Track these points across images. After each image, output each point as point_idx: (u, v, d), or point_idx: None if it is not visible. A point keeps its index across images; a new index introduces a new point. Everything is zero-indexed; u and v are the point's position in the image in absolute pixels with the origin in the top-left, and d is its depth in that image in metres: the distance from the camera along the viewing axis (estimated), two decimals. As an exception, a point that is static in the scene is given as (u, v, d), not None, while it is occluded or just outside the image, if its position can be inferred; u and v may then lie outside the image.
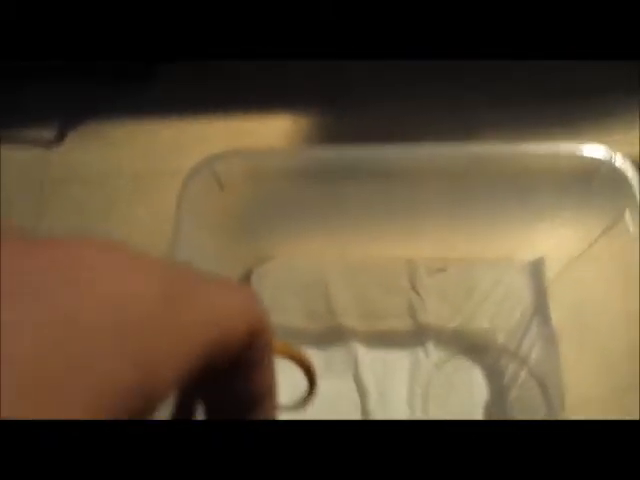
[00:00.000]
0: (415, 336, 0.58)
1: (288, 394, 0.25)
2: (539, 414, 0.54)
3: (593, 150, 0.41)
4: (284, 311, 0.59)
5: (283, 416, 0.23)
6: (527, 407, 0.54)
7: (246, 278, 0.59)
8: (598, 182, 0.42)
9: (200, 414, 0.17)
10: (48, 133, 0.64)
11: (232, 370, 0.16)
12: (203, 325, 0.13)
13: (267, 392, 0.17)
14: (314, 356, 0.58)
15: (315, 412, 0.56)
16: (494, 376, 0.56)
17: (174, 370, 0.12)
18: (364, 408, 0.56)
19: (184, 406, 0.17)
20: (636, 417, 0.44)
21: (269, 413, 0.17)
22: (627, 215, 0.42)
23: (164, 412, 0.17)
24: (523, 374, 0.55)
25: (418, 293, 0.58)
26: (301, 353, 0.23)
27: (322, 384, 0.57)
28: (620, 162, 0.41)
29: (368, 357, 0.57)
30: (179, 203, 0.44)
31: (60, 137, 0.65)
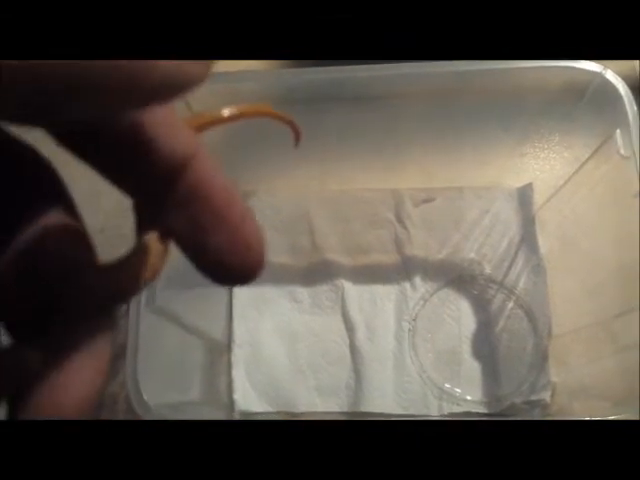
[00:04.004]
0: (401, 269, 0.57)
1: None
2: (527, 344, 0.54)
3: (583, 66, 0.39)
4: (269, 249, 0.58)
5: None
6: (515, 337, 0.54)
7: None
8: (588, 100, 0.40)
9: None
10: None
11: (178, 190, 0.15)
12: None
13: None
14: (301, 293, 0.59)
15: (305, 348, 0.56)
16: (481, 307, 0.55)
17: None
18: (352, 343, 0.56)
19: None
20: (624, 346, 0.44)
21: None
22: (618, 135, 0.40)
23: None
24: (510, 304, 0.55)
25: (404, 225, 0.57)
26: (273, 110, 0.20)
27: (310, 320, 0.57)
28: (612, 78, 0.39)
29: (355, 292, 0.57)
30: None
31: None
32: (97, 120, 0.13)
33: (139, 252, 0.15)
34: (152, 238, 0.16)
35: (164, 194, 0.15)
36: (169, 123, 0.15)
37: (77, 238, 0.15)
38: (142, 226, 0.16)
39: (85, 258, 0.15)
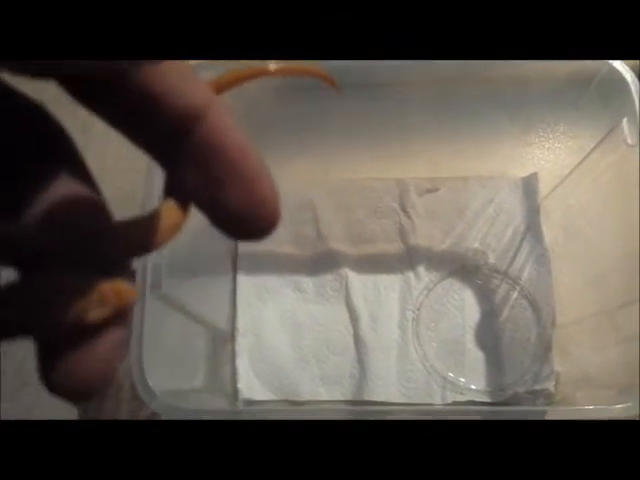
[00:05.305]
0: (405, 259, 0.57)
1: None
2: (530, 334, 0.54)
3: (590, 54, 0.39)
4: (273, 238, 0.57)
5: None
6: (518, 327, 0.54)
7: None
8: (594, 89, 0.40)
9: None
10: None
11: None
12: None
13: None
14: (305, 283, 0.58)
15: (309, 338, 0.56)
16: (485, 297, 0.55)
17: None
18: (356, 332, 0.56)
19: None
20: (627, 336, 0.44)
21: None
22: (624, 124, 0.40)
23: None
24: (514, 294, 0.55)
25: (408, 214, 0.57)
26: (304, 65, 0.19)
27: (314, 310, 0.57)
28: (619, 66, 0.39)
29: (359, 282, 0.57)
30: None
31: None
32: (108, 72, 0.13)
33: (153, 215, 0.15)
34: (170, 203, 0.16)
35: (177, 146, 0.15)
36: (181, 74, 0.14)
37: (92, 203, 0.15)
38: (166, 191, 0.16)
39: (101, 223, 0.15)
